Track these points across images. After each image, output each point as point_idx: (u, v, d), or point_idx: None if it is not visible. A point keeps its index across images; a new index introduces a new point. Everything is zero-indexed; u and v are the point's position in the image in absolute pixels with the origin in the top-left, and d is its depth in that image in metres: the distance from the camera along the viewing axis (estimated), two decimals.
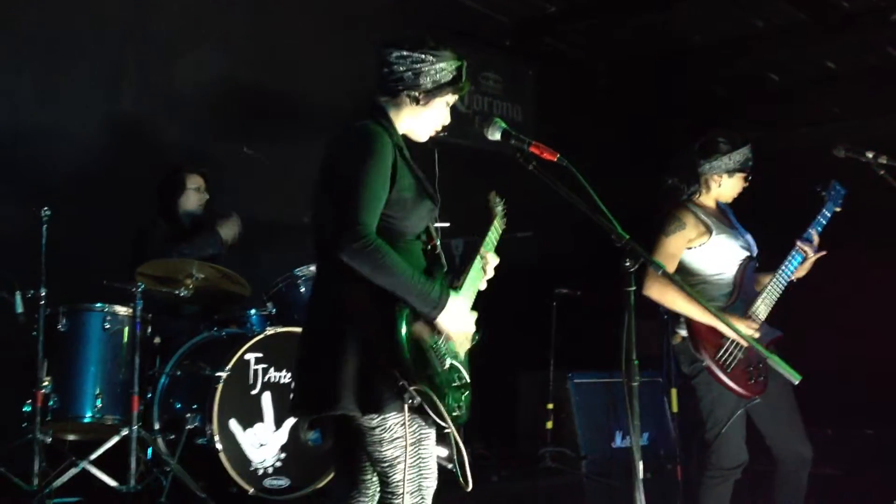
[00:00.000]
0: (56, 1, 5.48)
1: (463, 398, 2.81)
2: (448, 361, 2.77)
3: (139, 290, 4.56)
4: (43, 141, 5.36)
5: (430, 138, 3.06)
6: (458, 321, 2.75)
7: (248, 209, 5.70)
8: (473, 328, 2.84)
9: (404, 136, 2.93)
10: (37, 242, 4.44)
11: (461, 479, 2.74)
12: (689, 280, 3.98)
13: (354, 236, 2.58)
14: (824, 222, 4.11)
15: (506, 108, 7.98)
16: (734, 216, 4.22)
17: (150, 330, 4.78)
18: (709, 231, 3.98)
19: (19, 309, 4.48)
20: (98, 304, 4.65)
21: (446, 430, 2.69)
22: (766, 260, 4.16)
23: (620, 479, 5.86)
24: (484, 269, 3.03)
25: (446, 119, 2.99)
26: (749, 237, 4.15)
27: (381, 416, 2.64)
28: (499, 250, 3.17)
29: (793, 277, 4.04)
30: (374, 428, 2.67)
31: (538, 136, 3.03)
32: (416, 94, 2.84)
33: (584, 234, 5.03)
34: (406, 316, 2.66)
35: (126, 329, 4.67)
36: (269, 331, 4.73)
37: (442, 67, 2.85)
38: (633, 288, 3.01)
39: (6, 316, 4.46)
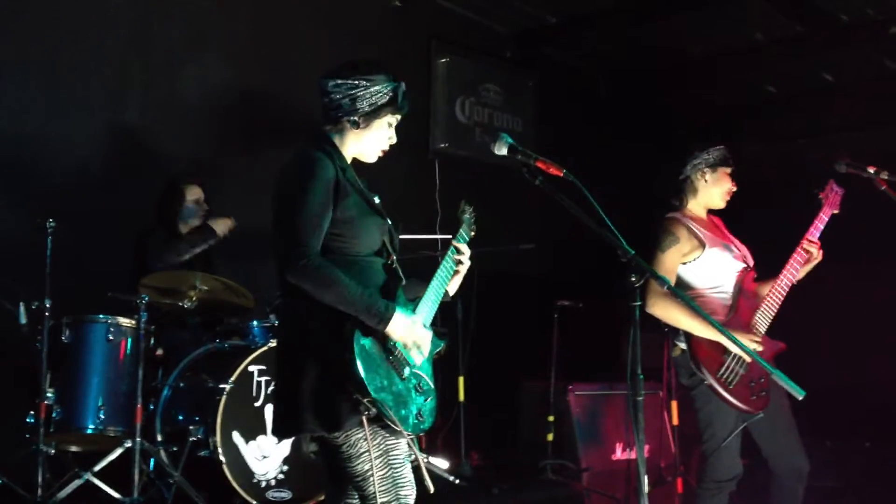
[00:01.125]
0: (61, 11, 5.48)
1: (426, 404, 2.92)
2: (406, 370, 2.87)
3: (143, 301, 4.56)
4: (48, 151, 5.37)
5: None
6: (406, 331, 2.84)
7: (250, 219, 5.70)
8: (426, 337, 2.92)
9: (355, 160, 3.07)
10: (41, 253, 4.45)
11: (424, 483, 2.84)
12: (687, 295, 4.00)
13: (297, 257, 2.72)
14: (822, 227, 4.13)
15: (506, 120, 7.99)
16: (727, 229, 4.25)
17: (152, 341, 4.78)
18: (702, 245, 4.00)
19: (23, 320, 4.49)
20: (101, 316, 4.65)
21: (408, 436, 2.80)
22: (763, 272, 4.18)
23: (621, 491, 5.87)
24: (459, 260, 3.15)
25: (392, 139, 3.11)
26: (745, 249, 4.17)
27: (345, 433, 2.75)
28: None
29: (794, 281, 4.05)
30: (340, 445, 2.78)
31: (538, 146, 3.08)
32: (356, 118, 2.98)
33: (586, 246, 5.06)
34: (357, 331, 2.75)
35: (129, 340, 4.67)
36: (272, 342, 4.74)
37: (377, 90, 2.99)
38: (639, 303, 3.03)
39: (9, 327, 4.46)
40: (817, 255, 4.07)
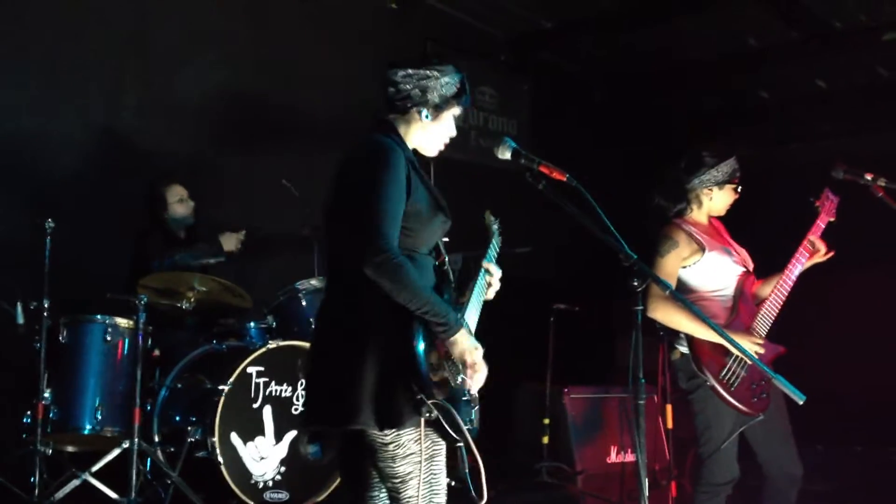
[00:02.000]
0: (58, 12, 5.48)
1: (473, 413, 2.84)
2: (459, 377, 2.78)
3: (142, 302, 4.56)
4: (46, 151, 5.37)
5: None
6: (466, 349, 2.73)
7: (248, 221, 5.71)
8: (481, 363, 2.79)
9: (414, 152, 2.99)
10: (39, 253, 4.44)
11: (474, 492, 2.75)
12: (688, 299, 4.01)
13: (378, 250, 2.62)
14: (818, 234, 4.16)
15: (501, 123, 8.01)
16: (727, 232, 4.26)
17: (150, 342, 4.78)
18: (701, 249, 4.01)
19: (20, 320, 4.48)
20: (99, 316, 4.65)
21: (458, 444, 2.70)
22: (759, 276, 4.19)
23: (616, 494, 5.88)
24: (489, 282, 3.08)
25: (453, 132, 3.06)
26: (744, 252, 4.19)
27: (397, 432, 2.66)
28: (498, 265, 3.21)
29: (793, 282, 4.06)
30: (387, 444, 2.68)
31: (533, 150, 3.08)
32: (426, 109, 2.92)
33: (582, 250, 5.08)
34: (423, 330, 2.68)
35: (127, 341, 4.67)
36: (271, 344, 4.74)
37: (447, 81, 2.94)
38: (641, 307, 3.05)
39: (7, 327, 4.46)
40: (823, 251, 4.09)
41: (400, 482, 2.71)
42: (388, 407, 2.63)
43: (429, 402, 2.59)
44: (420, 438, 2.66)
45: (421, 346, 2.65)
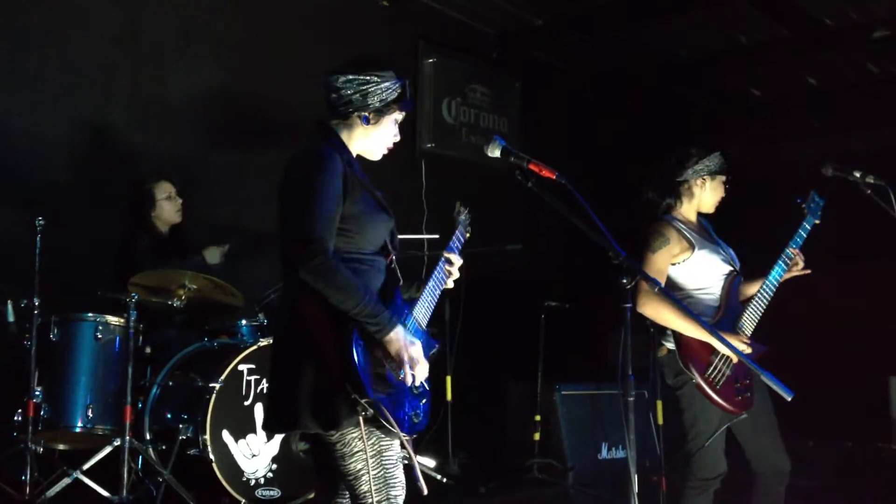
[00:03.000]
0: (47, 8, 5.47)
1: (421, 405, 2.93)
2: (401, 372, 2.85)
3: (133, 300, 4.56)
4: (35, 151, 5.35)
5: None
6: (402, 347, 2.80)
7: (238, 219, 5.71)
8: (421, 360, 2.87)
9: (359, 157, 3.07)
10: (29, 252, 4.44)
11: (418, 482, 2.83)
12: (676, 296, 4.03)
13: (312, 254, 2.69)
14: (805, 235, 4.18)
15: (492, 120, 8.02)
16: (713, 231, 4.28)
17: (140, 340, 4.78)
18: (692, 246, 4.02)
19: (11, 318, 4.48)
20: (90, 314, 4.65)
21: (403, 438, 2.80)
22: (747, 275, 4.21)
23: (607, 490, 5.90)
24: (449, 271, 3.16)
25: (396, 136, 3.11)
26: (731, 251, 4.21)
27: (340, 432, 2.75)
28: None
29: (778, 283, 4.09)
30: (335, 443, 2.78)
31: (524, 147, 3.10)
32: (367, 113, 2.98)
33: (572, 247, 5.10)
34: (357, 331, 2.75)
35: (118, 339, 4.67)
36: (262, 342, 4.76)
37: (388, 86, 2.99)
38: (630, 304, 3.06)
39: None
40: (801, 264, 4.12)
41: (353, 479, 2.80)
42: (325, 409, 2.71)
43: (362, 400, 2.66)
44: (363, 436, 2.73)
45: (355, 347, 2.72)
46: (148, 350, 4.96)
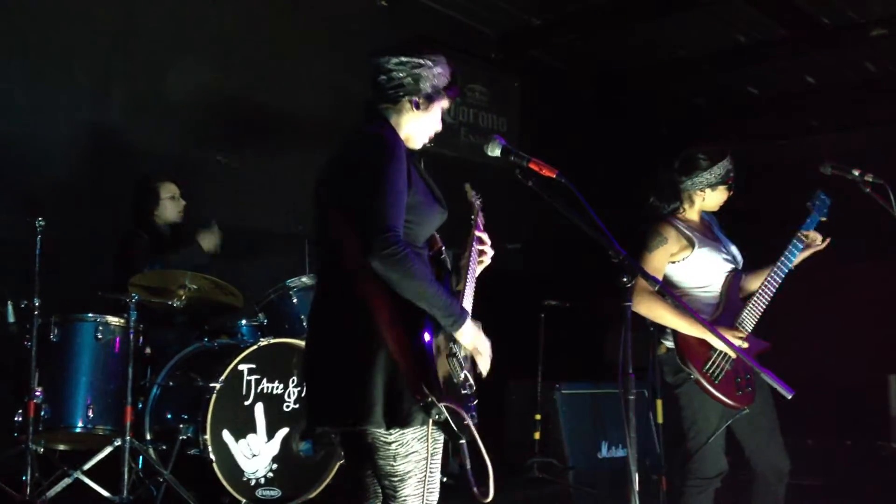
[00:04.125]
0: (45, 10, 5.47)
1: (473, 407, 2.82)
2: (462, 374, 2.78)
3: (133, 300, 4.56)
4: (33, 151, 5.35)
5: (421, 150, 3.08)
6: (475, 338, 2.74)
7: (237, 220, 5.71)
8: (488, 346, 2.80)
9: None
10: (29, 252, 4.43)
11: (478, 488, 2.66)
12: (675, 293, 4.03)
13: (386, 242, 2.55)
14: (813, 228, 4.18)
15: (491, 120, 8.03)
16: (719, 228, 4.28)
17: (141, 340, 4.78)
18: (691, 245, 4.02)
19: (11, 319, 4.48)
20: (90, 315, 4.64)
21: (461, 442, 2.63)
22: (748, 273, 4.21)
23: (607, 489, 5.90)
24: (481, 251, 3.05)
25: (440, 125, 3.01)
26: (734, 248, 4.21)
27: (401, 431, 2.63)
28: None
29: (782, 278, 4.08)
30: (390, 443, 2.65)
31: (523, 147, 3.08)
32: (418, 98, 2.86)
33: (572, 246, 5.09)
34: (431, 327, 2.64)
35: (118, 339, 4.66)
36: (263, 342, 4.75)
37: (439, 72, 2.88)
38: (629, 303, 3.06)
39: None
40: (818, 238, 4.10)
41: (399, 480, 2.68)
42: (397, 407, 2.59)
43: (439, 404, 2.54)
44: (424, 437, 2.64)
45: (431, 345, 2.61)
46: (148, 350, 4.95)
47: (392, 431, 2.63)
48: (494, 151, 3.07)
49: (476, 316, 3.01)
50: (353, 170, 2.72)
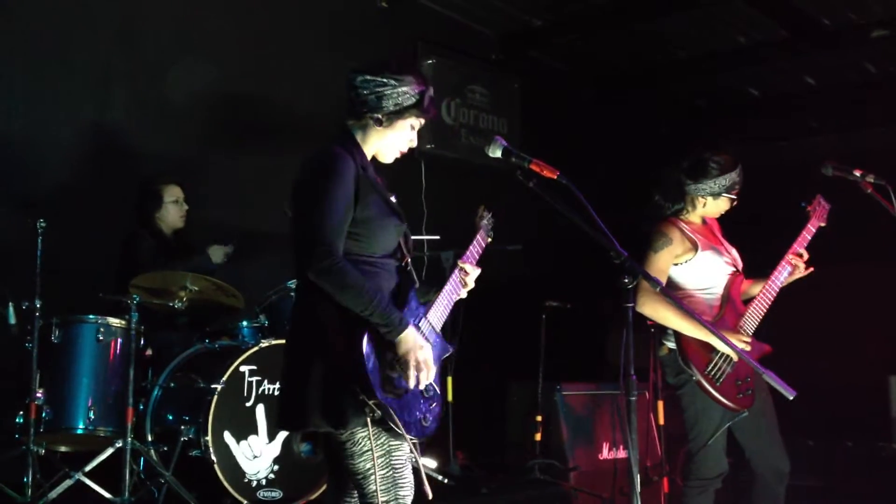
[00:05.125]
0: (46, 9, 5.46)
1: (431, 409, 2.94)
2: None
3: (134, 302, 4.56)
4: (34, 152, 5.35)
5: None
6: (412, 349, 2.81)
7: (238, 220, 5.71)
8: (430, 362, 2.86)
9: (373, 159, 3.06)
10: (30, 254, 4.43)
11: (423, 486, 2.85)
12: (677, 295, 4.04)
13: (320, 256, 2.71)
14: (809, 237, 4.18)
15: (492, 121, 8.02)
16: (720, 230, 4.28)
17: (142, 342, 4.77)
18: (695, 247, 4.03)
19: (12, 320, 4.47)
20: (91, 316, 4.65)
21: (411, 440, 2.82)
22: (746, 274, 4.22)
23: (608, 491, 5.90)
24: (463, 281, 3.14)
25: (413, 142, 3.09)
26: (734, 252, 4.21)
27: (349, 431, 2.77)
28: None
29: (779, 287, 4.09)
30: (344, 442, 2.80)
31: (523, 148, 3.10)
32: (379, 115, 2.96)
33: (573, 247, 5.10)
34: (368, 333, 2.76)
35: (119, 341, 4.67)
36: (263, 343, 4.75)
37: (404, 91, 2.96)
38: (631, 304, 3.07)
39: None
40: (802, 269, 4.12)
41: (361, 478, 2.82)
42: (335, 409, 2.74)
43: (370, 402, 2.69)
44: (374, 435, 2.76)
45: (365, 348, 2.74)
46: (149, 352, 4.97)
47: (342, 431, 2.77)
48: (496, 152, 3.09)
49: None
50: (296, 187, 2.89)
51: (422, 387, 2.86)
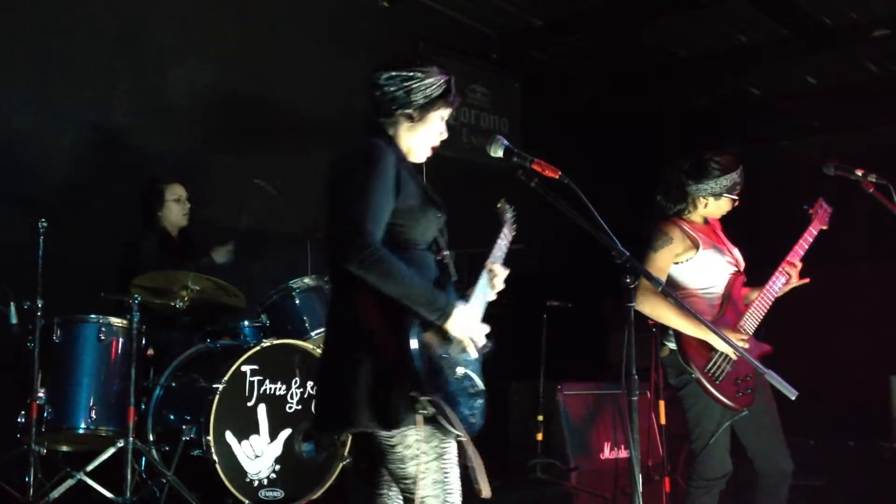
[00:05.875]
0: (48, 11, 5.47)
1: (477, 405, 2.84)
2: (460, 370, 2.78)
3: (136, 301, 4.56)
4: (37, 152, 5.36)
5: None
6: (465, 327, 2.76)
7: (239, 220, 5.70)
8: (483, 334, 2.83)
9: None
10: (32, 253, 4.43)
11: (477, 485, 2.71)
12: (678, 294, 4.03)
13: (360, 247, 2.62)
14: (810, 240, 4.18)
15: (492, 121, 8.03)
16: (721, 230, 4.28)
17: (143, 341, 4.78)
18: (695, 246, 4.03)
19: (14, 320, 4.48)
20: (93, 316, 4.64)
21: (459, 439, 2.69)
22: (748, 273, 4.22)
23: (609, 490, 5.90)
24: (492, 282, 3.05)
25: (444, 133, 3.05)
26: (736, 251, 4.21)
27: (400, 432, 2.66)
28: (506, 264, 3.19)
29: (777, 294, 4.10)
30: (394, 446, 2.69)
31: (524, 148, 3.09)
32: (411, 111, 2.91)
33: (575, 247, 5.10)
34: (416, 326, 2.67)
35: (121, 340, 4.66)
36: (265, 343, 4.75)
37: (431, 83, 2.92)
38: (633, 304, 3.06)
39: (0, 327, 4.45)
40: (796, 279, 4.11)
41: (412, 483, 2.71)
42: (385, 407, 2.63)
43: (422, 398, 2.58)
44: (428, 438, 2.66)
45: (414, 343, 2.64)
46: (151, 351, 4.97)
47: (393, 433, 2.67)
48: (497, 152, 3.09)
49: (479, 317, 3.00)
50: (337, 180, 2.81)
51: (474, 354, 2.80)
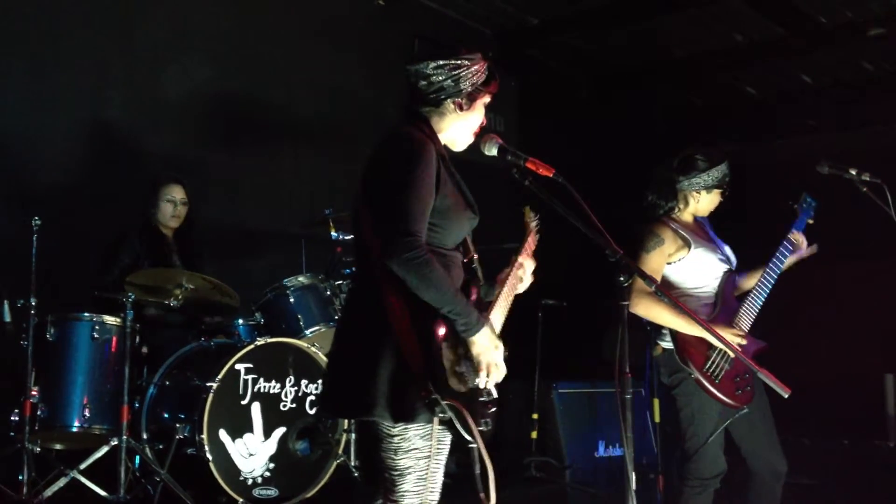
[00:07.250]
0: (42, 8, 5.46)
1: (489, 412, 2.80)
2: (476, 378, 2.75)
3: (130, 300, 4.55)
4: (30, 150, 5.35)
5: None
6: (486, 350, 2.72)
7: (234, 219, 5.71)
8: (501, 358, 2.78)
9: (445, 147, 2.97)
10: (25, 251, 4.43)
11: (483, 493, 2.70)
12: (671, 294, 4.03)
13: (406, 246, 2.60)
14: (802, 228, 4.19)
15: (489, 119, 8.01)
16: (712, 229, 4.28)
17: (137, 340, 4.77)
18: (687, 245, 4.03)
19: (7, 318, 4.47)
20: (86, 314, 4.63)
21: (471, 445, 2.66)
22: (742, 272, 4.22)
23: (604, 488, 5.91)
24: (521, 276, 3.05)
25: (483, 120, 3.03)
26: (727, 249, 4.21)
27: (405, 426, 2.66)
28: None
29: (777, 276, 4.09)
30: (393, 436, 2.68)
31: (520, 146, 3.09)
32: (460, 100, 2.89)
33: (570, 245, 5.10)
34: (445, 328, 2.65)
35: (114, 339, 4.65)
36: (259, 341, 4.74)
37: (477, 70, 2.90)
38: (627, 302, 3.06)
39: None
40: (804, 246, 4.11)
41: (398, 475, 2.70)
42: (401, 401, 2.62)
43: (443, 402, 2.56)
44: (427, 435, 2.66)
45: (441, 345, 2.63)
46: (145, 350, 4.96)
47: (397, 425, 2.66)
48: (491, 150, 3.07)
49: None
50: (380, 169, 2.78)
51: (490, 386, 2.75)
